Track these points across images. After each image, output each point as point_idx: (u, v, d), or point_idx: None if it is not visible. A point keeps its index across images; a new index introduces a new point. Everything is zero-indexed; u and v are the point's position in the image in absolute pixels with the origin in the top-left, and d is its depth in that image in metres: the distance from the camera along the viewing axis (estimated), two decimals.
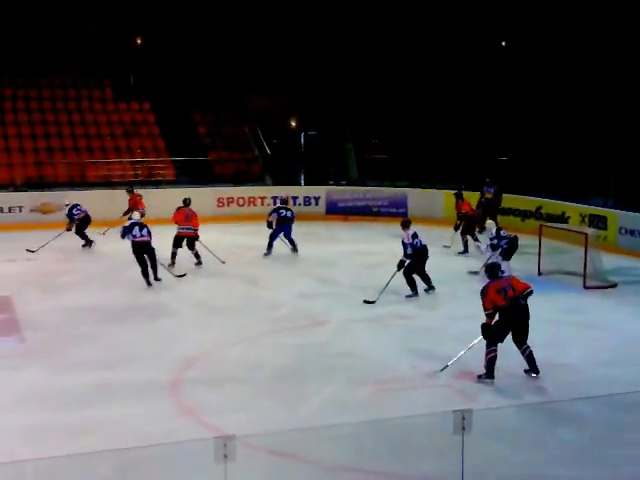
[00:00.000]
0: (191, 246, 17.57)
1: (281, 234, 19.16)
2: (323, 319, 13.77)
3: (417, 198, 24.49)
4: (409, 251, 15.01)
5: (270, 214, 19.33)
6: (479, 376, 10.57)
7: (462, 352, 10.95)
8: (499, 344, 10.54)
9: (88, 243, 19.91)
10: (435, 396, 10.16)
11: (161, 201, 22.58)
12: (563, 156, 23.54)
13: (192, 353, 11.77)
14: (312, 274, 17.14)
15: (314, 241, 20.97)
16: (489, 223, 17.40)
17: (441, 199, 24.10)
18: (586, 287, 15.85)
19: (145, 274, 15.87)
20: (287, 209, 19.44)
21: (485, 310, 10.62)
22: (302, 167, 28.69)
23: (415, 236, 15.16)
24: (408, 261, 15.09)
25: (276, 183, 26.41)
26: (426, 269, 15.37)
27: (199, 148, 27.03)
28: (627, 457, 8.39)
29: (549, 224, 19.69)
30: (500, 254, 16.28)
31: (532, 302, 12.22)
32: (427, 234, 20.16)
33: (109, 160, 25.62)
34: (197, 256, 17.62)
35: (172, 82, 28.12)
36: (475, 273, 16.64)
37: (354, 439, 8.38)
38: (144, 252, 15.90)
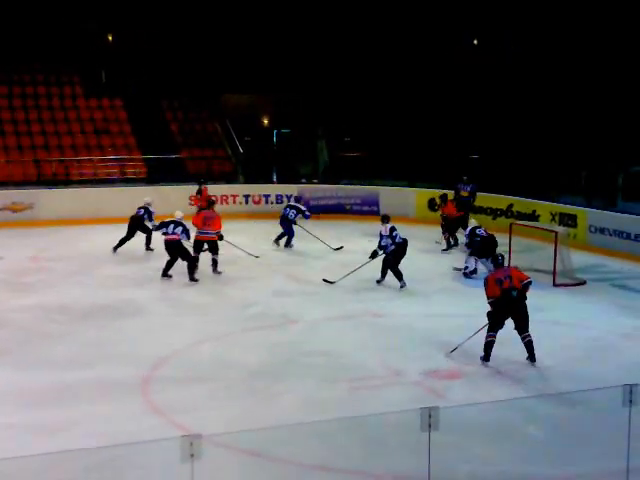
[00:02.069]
0: (213, 251, 16.76)
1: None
2: (296, 317, 13.77)
3: (389, 196, 24.54)
4: (383, 243, 15.51)
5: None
6: (481, 357, 11.17)
7: (471, 335, 11.41)
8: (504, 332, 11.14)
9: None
10: (407, 394, 10.20)
11: (132, 199, 22.48)
12: (534, 155, 23.71)
13: (163, 352, 11.72)
14: (284, 272, 17.15)
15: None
16: (470, 222, 17.48)
17: (413, 197, 24.20)
18: (555, 285, 15.99)
19: (168, 267, 15.98)
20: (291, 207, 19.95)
21: (487, 299, 11.24)
22: (275, 165, 28.67)
23: (393, 230, 15.59)
24: (381, 253, 15.60)
25: (248, 181, 26.37)
26: (399, 266, 15.57)
27: (171, 146, 26.93)
28: (596, 454, 8.47)
29: (520, 222, 19.85)
30: (472, 254, 16.43)
31: None
32: (399, 232, 20.30)
33: (80, 158, 25.43)
34: (215, 262, 16.72)
35: (144, 79, 27.99)
36: (458, 269, 16.80)
37: (325, 437, 8.39)
38: (172, 251, 15.94)
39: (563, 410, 9.54)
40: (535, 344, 11.17)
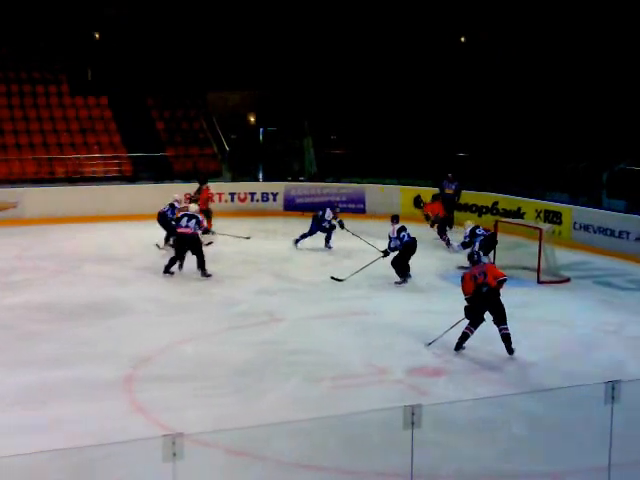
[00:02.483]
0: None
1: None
2: (280, 316, 13.77)
3: (375, 194, 24.59)
4: (392, 244, 15.83)
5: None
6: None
7: (446, 330, 11.62)
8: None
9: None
10: (390, 392, 10.22)
11: (118, 197, 22.51)
12: (519, 152, 23.78)
13: (147, 350, 11.70)
14: (269, 271, 17.14)
15: (271, 237, 20.99)
16: (466, 223, 17.45)
17: (398, 195, 24.23)
18: (540, 282, 16.06)
19: (170, 264, 15.88)
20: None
21: (464, 295, 11.57)
22: (261, 163, 28.65)
23: (401, 230, 15.90)
24: (391, 253, 15.90)
25: (235, 179, 26.35)
26: None
27: (157, 144, 26.86)
28: (578, 450, 8.51)
29: (505, 219, 19.94)
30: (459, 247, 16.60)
31: None
32: (385, 230, 20.33)
33: (66, 156, 25.34)
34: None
35: (130, 77, 27.90)
36: (464, 268, 16.81)
37: (309, 436, 8.41)
38: (185, 244, 15.86)
39: (546, 407, 9.57)
40: (519, 341, 11.24)
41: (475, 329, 11.41)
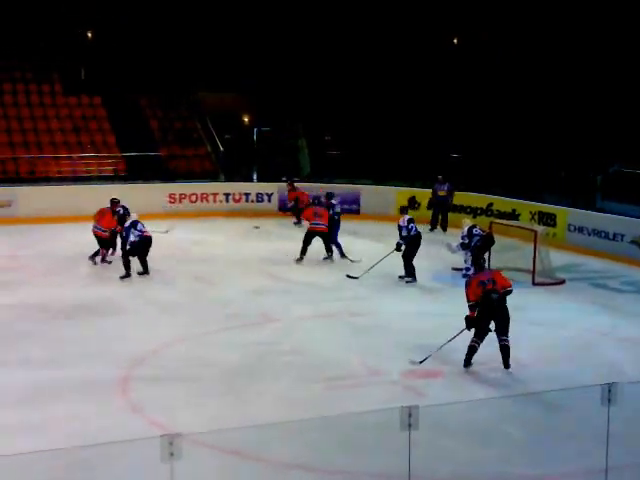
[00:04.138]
0: (326, 240, 17.68)
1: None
2: (274, 316, 13.73)
3: (370, 195, 24.56)
4: (404, 233, 16.02)
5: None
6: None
7: (444, 343, 11.16)
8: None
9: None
10: (385, 393, 10.19)
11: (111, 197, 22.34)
12: (514, 154, 23.79)
13: (141, 351, 11.67)
14: (263, 271, 17.10)
15: (265, 238, 20.94)
16: (464, 222, 17.38)
17: (394, 196, 24.19)
18: (534, 284, 16.05)
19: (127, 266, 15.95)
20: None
21: (468, 302, 10.98)
22: (255, 163, 28.59)
23: (410, 221, 16.13)
24: (403, 244, 16.05)
25: (229, 179, 26.29)
26: None
27: (151, 144, 26.79)
28: (575, 453, 8.48)
29: (499, 221, 19.92)
30: (471, 252, 16.43)
31: None
32: (380, 230, 20.38)
33: (58, 155, 25.26)
34: (329, 250, 17.77)
35: (124, 77, 27.81)
36: (458, 269, 16.76)
37: (304, 436, 8.38)
38: (146, 248, 16.03)
39: (542, 409, 9.57)
40: (514, 343, 11.15)
41: (482, 341, 10.94)
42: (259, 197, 24.90)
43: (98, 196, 21.09)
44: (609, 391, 7.32)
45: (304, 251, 17.64)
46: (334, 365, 11.24)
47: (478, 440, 8.82)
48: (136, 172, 25.27)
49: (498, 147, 24.38)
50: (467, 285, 11.12)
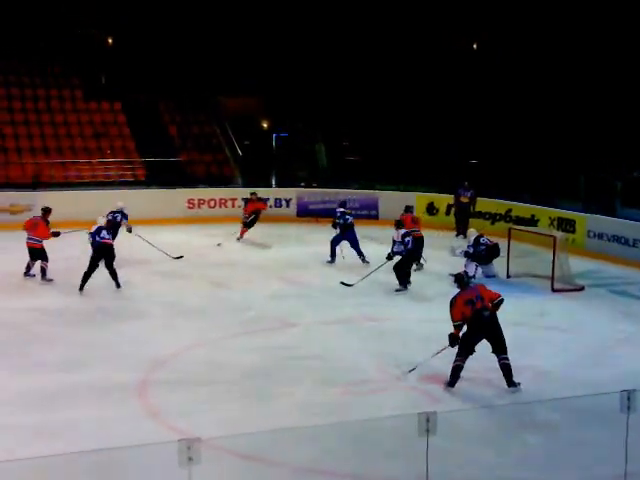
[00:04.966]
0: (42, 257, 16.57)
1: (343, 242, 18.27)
2: (292, 321, 13.76)
3: (388, 200, 24.50)
4: (396, 249, 15.85)
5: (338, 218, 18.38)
6: (445, 382, 10.54)
7: (429, 357, 10.97)
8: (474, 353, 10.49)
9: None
10: (403, 398, 10.19)
11: (132, 202, 22.48)
12: (533, 160, 23.71)
13: (159, 355, 11.71)
14: (282, 276, 17.12)
15: (284, 243, 20.97)
16: (470, 231, 17.33)
17: (412, 201, 24.12)
18: (554, 290, 15.96)
19: (85, 278, 15.24)
20: (350, 214, 18.75)
21: (453, 321, 10.48)
22: (273, 168, 28.64)
23: (406, 235, 15.90)
24: (397, 257, 15.89)
25: (247, 185, 26.30)
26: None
27: (170, 149, 26.89)
28: (593, 460, 8.44)
29: (518, 227, 19.85)
30: (475, 261, 16.41)
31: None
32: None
33: (79, 160, 25.41)
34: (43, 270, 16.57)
35: (143, 82, 27.95)
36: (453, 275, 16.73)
37: (321, 441, 8.38)
38: (102, 255, 15.44)
39: (560, 415, 9.52)
40: (532, 349, 11.12)
41: (466, 360, 10.40)
42: (277, 202, 24.92)
43: (118, 201, 21.22)
44: (628, 398, 7.29)
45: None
46: (352, 370, 11.24)
47: (495, 446, 8.79)
48: (155, 177, 25.38)
49: (517, 153, 24.30)
50: (451, 305, 10.53)
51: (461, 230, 21.64)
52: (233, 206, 24.25)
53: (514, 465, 8.44)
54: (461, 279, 10.85)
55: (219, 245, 19.12)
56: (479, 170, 24.53)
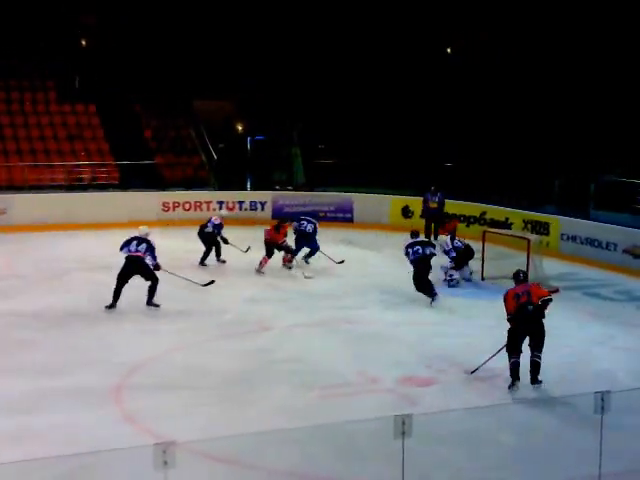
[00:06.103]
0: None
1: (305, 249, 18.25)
2: (270, 324, 13.75)
3: (363, 203, 24.60)
4: (411, 258, 15.21)
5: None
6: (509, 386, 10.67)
7: (490, 356, 10.97)
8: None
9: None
10: (380, 401, 10.21)
11: (106, 205, 22.45)
12: (507, 163, 23.86)
13: (137, 359, 11.66)
14: (258, 279, 17.12)
15: (260, 246, 20.89)
16: (441, 238, 17.43)
17: (387, 205, 24.25)
18: None
19: (116, 294, 14.29)
20: (308, 220, 18.48)
21: (507, 315, 10.87)
22: (249, 172, 28.63)
23: (409, 246, 15.28)
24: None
25: (222, 188, 26.31)
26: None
27: (145, 152, 26.80)
28: (568, 461, 8.51)
29: (492, 229, 19.97)
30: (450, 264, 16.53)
31: (475, 307, 12.33)
32: (373, 239, 20.45)
33: (53, 163, 25.25)
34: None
35: (118, 85, 27.84)
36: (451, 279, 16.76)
37: (299, 445, 8.39)
38: (132, 269, 14.30)
39: (536, 417, 9.60)
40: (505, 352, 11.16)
41: (520, 355, 10.68)
42: (253, 205, 24.93)
43: (93, 204, 21.20)
44: (602, 399, 7.37)
45: None
46: (330, 373, 11.25)
47: (472, 448, 8.84)
48: (130, 180, 25.29)
49: (492, 156, 24.45)
50: (504, 299, 10.97)
51: (430, 235, 21.70)
52: (208, 209, 24.19)
53: (490, 467, 8.48)
54: (516, 275, 11.35)
55: (247, 250, 18.82)
56: (453, 173, 24.66)
